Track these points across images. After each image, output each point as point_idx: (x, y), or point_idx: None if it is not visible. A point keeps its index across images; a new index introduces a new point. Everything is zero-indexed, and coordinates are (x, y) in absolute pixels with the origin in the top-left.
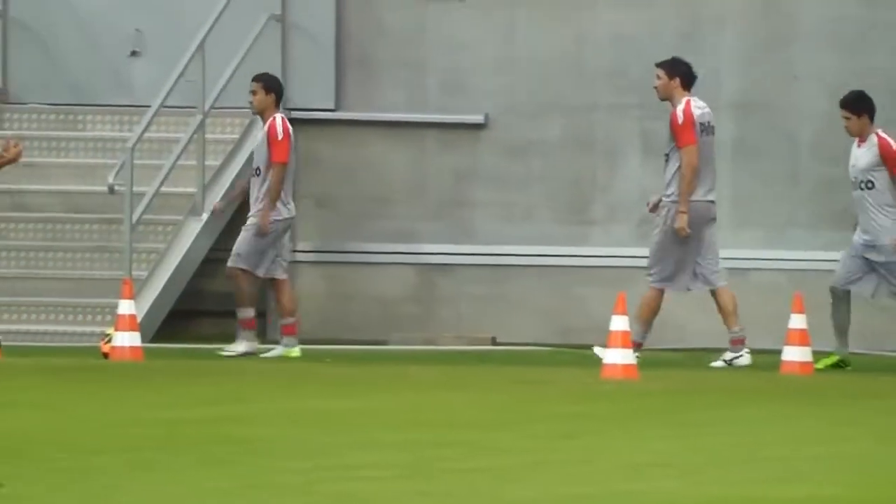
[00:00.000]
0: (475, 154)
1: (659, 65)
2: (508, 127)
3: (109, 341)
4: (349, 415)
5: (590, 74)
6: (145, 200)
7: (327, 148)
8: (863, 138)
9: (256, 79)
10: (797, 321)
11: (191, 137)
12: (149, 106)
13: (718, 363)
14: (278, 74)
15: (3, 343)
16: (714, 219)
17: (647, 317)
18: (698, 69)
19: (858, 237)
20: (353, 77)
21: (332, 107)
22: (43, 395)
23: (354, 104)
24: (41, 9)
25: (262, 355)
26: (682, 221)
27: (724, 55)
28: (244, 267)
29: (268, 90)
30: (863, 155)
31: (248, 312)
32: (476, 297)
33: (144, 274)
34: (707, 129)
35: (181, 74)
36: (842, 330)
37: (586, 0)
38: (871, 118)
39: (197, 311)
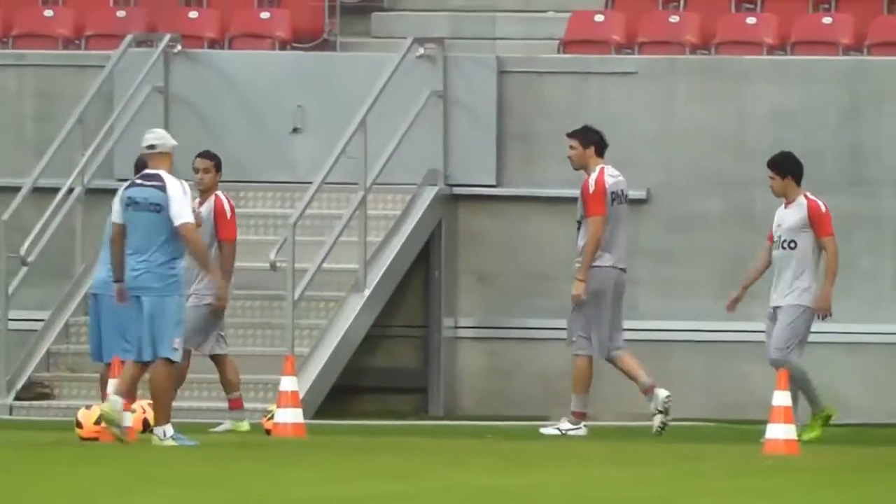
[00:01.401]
0: (636, 229)
1: (570, 135)
2: (669, 202)
3: (272, 418)
4: (511, 491)
5: (750, 149)
6: (307, 277)
7: (488, 223)
8: (789, 199)
9: (209, 157)
10: None
11: (352, 214)
12: (310, 182)
13: (550, 430)
14: (440, 150)
15: None
16: (624, 286)
17: (586, 386)
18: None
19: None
20: (514, 152)
21: (493, 182)
22: (206, 470)
23: (515, 180)
24: (202, 86)
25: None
26: (577, 289)
27: (885, 131)
28: (188, 347)
29: (218, 169)
30: (789, 215)
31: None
32: None
33: (306, 350)
34: (619, 197)
35: (342, 151)
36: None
37: (747, 75)
38: (797, 180)
39: (358, 387)
